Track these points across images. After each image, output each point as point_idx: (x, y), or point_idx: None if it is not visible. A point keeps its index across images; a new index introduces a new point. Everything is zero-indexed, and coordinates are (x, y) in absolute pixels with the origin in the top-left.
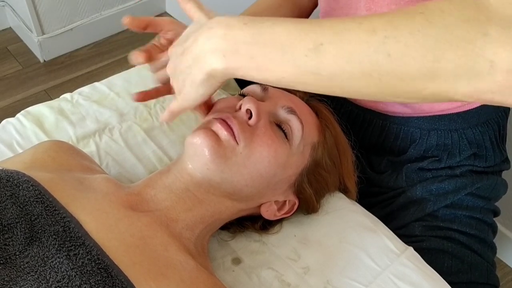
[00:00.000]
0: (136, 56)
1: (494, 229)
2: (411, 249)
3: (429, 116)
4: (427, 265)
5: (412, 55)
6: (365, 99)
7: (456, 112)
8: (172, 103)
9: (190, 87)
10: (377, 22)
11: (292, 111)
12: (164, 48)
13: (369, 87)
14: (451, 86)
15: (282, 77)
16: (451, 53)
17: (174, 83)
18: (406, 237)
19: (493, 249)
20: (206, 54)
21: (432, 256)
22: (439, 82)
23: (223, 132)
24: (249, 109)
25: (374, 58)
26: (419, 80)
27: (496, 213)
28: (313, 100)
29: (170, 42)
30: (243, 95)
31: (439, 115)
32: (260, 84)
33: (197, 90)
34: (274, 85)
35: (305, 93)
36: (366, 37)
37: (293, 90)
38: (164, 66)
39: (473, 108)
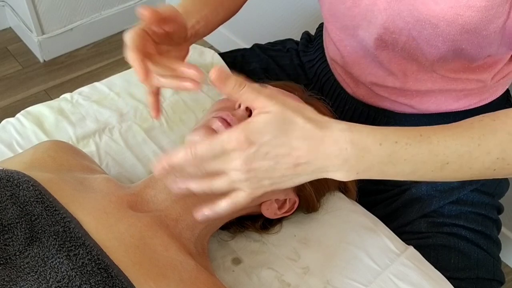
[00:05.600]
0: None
1: (498, 226)
2: (411, 248)
3: (434, 114)
4: (427, 265)
5: (509, 169)
6: None
7: (461, 110)
8: (240, 195)
9: (288, 184)
10: (490, 144)
11: None
12: (156, 38)
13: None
14: None
15: (398, 179)
16: None
17: (250, 182)
18: (412, 234)
19: (498, 245)
20: (336, 171)
21: (438, 253)
22: None
23: (223, 130)
24: (248, 107)
25: (484, 172)
26: (508, 175)
27: (499, 210)
28: (312, 98)
29: (167, 34)
30: None
31: (444, 113)
32: (260, 82)
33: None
34: None
35: (304, 91)
36: (483, 158)
37: (292, 88)
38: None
39: (478, 107)
